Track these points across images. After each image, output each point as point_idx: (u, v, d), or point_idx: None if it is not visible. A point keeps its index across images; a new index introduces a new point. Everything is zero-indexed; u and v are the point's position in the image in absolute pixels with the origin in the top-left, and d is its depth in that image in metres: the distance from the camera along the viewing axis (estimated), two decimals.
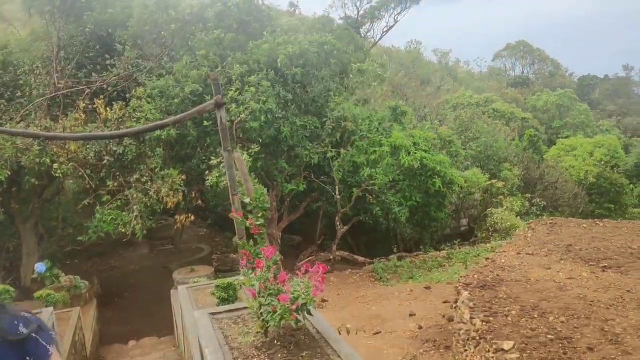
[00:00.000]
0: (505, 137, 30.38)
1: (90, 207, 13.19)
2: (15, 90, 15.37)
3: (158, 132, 11.54)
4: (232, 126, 11.10)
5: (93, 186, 12.19)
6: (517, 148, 30.45)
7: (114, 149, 12.22)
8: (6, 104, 14.80)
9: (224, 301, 6.56)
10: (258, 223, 5.78)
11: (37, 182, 12.00)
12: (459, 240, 20.96)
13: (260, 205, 5.94)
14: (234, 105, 11.39)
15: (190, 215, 12.66)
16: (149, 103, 12.05)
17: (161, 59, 13.07)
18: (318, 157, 12.95)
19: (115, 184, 12.10)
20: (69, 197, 14.66)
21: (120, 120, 12.48)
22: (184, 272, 12.07)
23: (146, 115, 11.86)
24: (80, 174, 12.10)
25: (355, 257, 15.64)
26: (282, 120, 12.00)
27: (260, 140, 12.03)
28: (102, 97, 13.08)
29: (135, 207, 11.81)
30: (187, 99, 11.77)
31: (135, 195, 11.87)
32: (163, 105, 12.09)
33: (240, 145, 11.31)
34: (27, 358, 1.64)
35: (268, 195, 13.25)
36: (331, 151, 13.16)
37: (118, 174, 12.33)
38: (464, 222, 25.63)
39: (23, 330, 1.64)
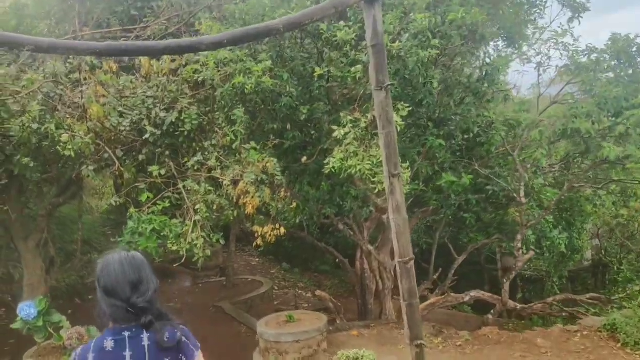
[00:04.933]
0: None
1: (122, 211, 8.44)
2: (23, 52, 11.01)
3: (241, 79, 6.73)
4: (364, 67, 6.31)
5: (127, 176, 7.41)
6: None
7: (162, 115, 7.44)
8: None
9: None
10: None
11: (33, 165, 7.14)
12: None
13: None
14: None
15: (278, 225, 7.68)
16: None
17: None
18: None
19: (163, 172, 7.27)
20: (89, 197, 9.80)
21: (174, 72, 7.78)
22: (276, 321, 7.01)
23: (218, 55, 7.09)
24: (106, 155, 7.32)
25: (505, 300, 10.38)
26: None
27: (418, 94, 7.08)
28: None
29: (194, 208, 6.94)
30: None
31: (195, 189, 7.01)
32: None
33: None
34: (181, 355, 2.22)
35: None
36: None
37: (167, 154, 7.55)
38: (588, 255, 20.34)
39: (179, 336, 2.23)
